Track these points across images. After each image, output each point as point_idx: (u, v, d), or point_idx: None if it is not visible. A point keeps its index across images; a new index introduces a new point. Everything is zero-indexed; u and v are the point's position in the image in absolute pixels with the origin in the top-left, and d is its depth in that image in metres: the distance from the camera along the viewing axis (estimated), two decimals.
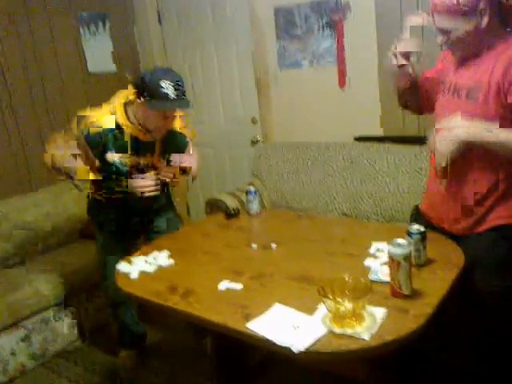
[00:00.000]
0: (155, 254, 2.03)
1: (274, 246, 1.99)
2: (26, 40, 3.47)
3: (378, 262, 1.67)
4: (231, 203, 3.02)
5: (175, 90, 2.00)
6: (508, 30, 1.59)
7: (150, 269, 1.93)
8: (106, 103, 2.25)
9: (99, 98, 3.87)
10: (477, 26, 1.53)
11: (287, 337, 1.36)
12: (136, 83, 2.09)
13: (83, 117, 2.21)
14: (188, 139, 2.45)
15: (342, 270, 1.65)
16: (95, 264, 3.05)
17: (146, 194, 2.19)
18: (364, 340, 1.30)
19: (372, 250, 1.79)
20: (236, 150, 3.89)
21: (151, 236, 2.45)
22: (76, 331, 3.00)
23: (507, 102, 1.52)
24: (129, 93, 2.15)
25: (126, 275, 1.91)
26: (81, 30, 3.79)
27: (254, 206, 2.38)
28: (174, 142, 2.35)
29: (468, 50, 1.63)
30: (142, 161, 2.28)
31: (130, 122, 2.19)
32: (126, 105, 2.19)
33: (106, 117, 2.18)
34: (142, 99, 2.05)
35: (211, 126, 3.94)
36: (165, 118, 2.13)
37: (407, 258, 1.44)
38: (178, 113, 2.25)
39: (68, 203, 3.51)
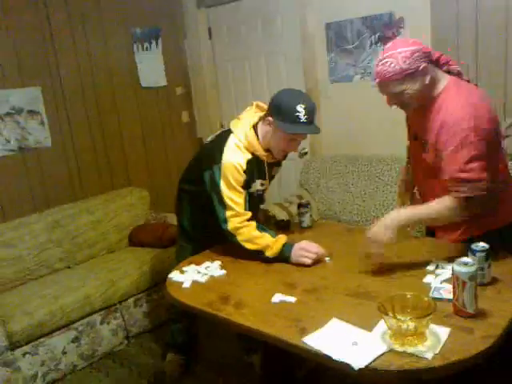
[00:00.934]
0: (207, 263, 2.04)
1: (327, 259, 1.97)
2: (83, 55, 3.60)
3: (439, 280, 1.62)
4: (280, 214, 3.01)
5: (307, 114, 1.94)
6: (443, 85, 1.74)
7: (202, 279, 1.93)
8: (237, 120, 2.15)
9: (150, 111, 4.04)
10: (423, 83, 1.68)
11: (346, 353, 1.33)
12: (270, 104, 2.02)
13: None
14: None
15: (399, 286, 1.61)
16: (143, 270, 3.14)
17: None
18: (426, 359, 1.26)
19: (431, 267, 1.73)
20: (284, 162, 3.88)
21: None
22: (122, 334, 3.06)
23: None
24: (257, 112, 2.11)
25: (178, 284, 1.92)
26: (134, 45, 3.90)
27: (306, 219, 2.36)
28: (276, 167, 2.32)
29: (420, 103, 1.76)
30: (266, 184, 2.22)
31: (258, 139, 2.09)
32: (253, 126, 2.11)
33: (241, 145, 2.07)
34: (273, 120, 1.98)
35: None
36: (292, 140, 2.03)
37: (473, 277, 1.39)
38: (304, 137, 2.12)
39: (118, 211, 3.59)
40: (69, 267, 3.28)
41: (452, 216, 1.71)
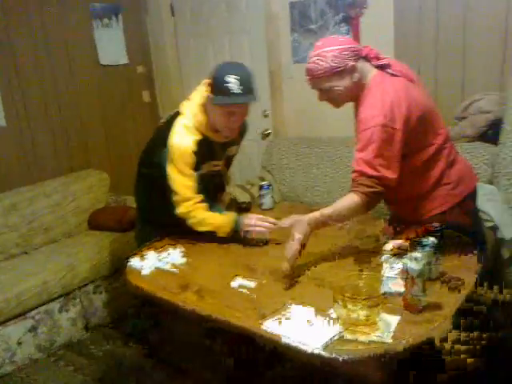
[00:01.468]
0: (169, 250, 2.02)
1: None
2: (38, 31, 3.45)
3: (392, 272, 1.61)
4: (241, 197, 2.99)
5: (241, 84, 1.90)
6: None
7: (163, 265, 1.91)
8: (182, 113, 2.09)
9: (110, 90, 3.92)
10: (351, 79, 1.75)
11: (303, 335, 1.35)
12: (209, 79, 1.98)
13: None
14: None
15: (357, 273, 1.61)
16: (104, 255, 3.08)
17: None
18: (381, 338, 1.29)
19: (388, 247, 1.75)
20: (246, 142, 3.83)
21: None
22: (82, 323, 3.01)
23: None
24: (206, 91, 2.02)
25: (138, 271, 1.89)
26: (93, 21, 3.76)
27: (267, 201, 2.37)
28: (242, 131, 2.25)
29: (350, 100, 1.84)
30: (220, 165, 2.19)
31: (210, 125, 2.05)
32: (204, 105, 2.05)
33: (190, 126, 2.03)
34: (209, 95, 1.96)
35: None
36: (230, 114, 1.97)
37: (421, 273, 1.40)
38: (246, 110, 2.04)
39: (76, 194, 3.51)
40: (25, 253, 3.19)
41: (358, 211, 1.75)
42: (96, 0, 3.76)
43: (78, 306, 2.97)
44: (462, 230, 1.83)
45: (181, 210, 2.03)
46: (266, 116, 3.67)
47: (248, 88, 1.93)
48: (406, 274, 1.43)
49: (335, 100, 1.84)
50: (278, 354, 2.41)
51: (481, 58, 2.69)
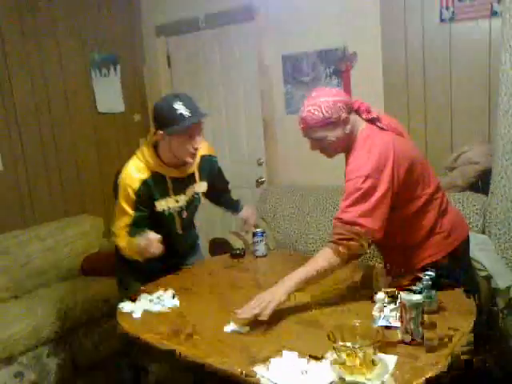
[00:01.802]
0: (160, 292, 2.01)
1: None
2: (38, 77, 3.55)
3: (388, 308, 1.64)
4: (236, 243, 3.00)
5: (187, 108, 1.98)
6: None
7: (154, 308, 1.90)
8: (135, 154, 2.17)
9: (107, 137, 3.99)
10: (344, 131, 1.79)
11: (296, 382, 1.32)
12: (154, 119, 2.06)
13: (120, 176, 2.12)
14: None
15: (350, 314, 1.63)
16: (96, 299, 3.05)
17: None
18: None
19: (381, 295, 1.75)
20: (241, 190, 3.89)
21: None
22: (71, 367, 2.94)
23: None
24: (151, 134, 2.13)
25: (129, 314, 1.87)
26: (92, 71, 3.88)
27: (261, 248, 2.37)
28: (206, 168, 2.31)
29: (341, 151, 1.88)
30: (183, 200, 2.23)
31: (164, 163, 2.12)
32: (154, 148, 2.13)
33: (141, 166, 2.10)
34: (162, 131, 2.01)
35: None
36: (190, 138, 2.03)
37: (419, 304, 1.42)
38: (201, 134, 2.11)
39: (70, 238, 3.50)
40: (16, 297, 3.14)
41: (339, 264, 1.73)
42: (95, 50, 3.89)
43: (68, 352, 2.92)
44: (454, 279, 1.84)
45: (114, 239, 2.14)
46: (260, 164, 3.74)
47: (195, 108, 2.02)
48: (402, 306, 1.43)
49: (327, 150, 1.88)
50: None
51: (467, 109, 2.80)
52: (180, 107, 1.97)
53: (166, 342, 1.65)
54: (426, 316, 1.47)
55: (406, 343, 1.44)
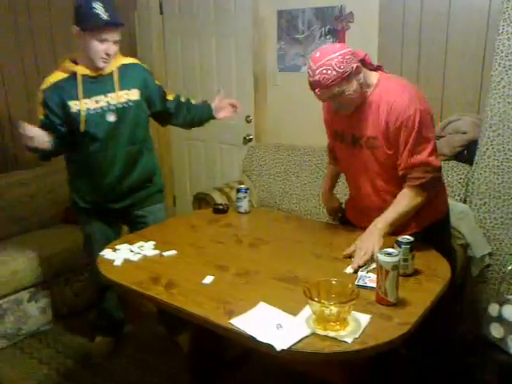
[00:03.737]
0: (141, 243, 2.02)
1: None
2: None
3: (365, 269, 1.68)
4: (220, 199, 3.01)
5: (106, 11, 2.00)
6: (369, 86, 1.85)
7: (135, 257, 1.91)
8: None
9: None
10: (358, 81, 1.78)
11: (270, 335, 1.35)
12: (73, 15, 2.07)
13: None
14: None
15: (328, 273, 1.65)
16: (77, 248, 3.04)
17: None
18: (346, 343, 1.31)
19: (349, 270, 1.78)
20: (227, 146, 3.89)
21: (136, 227, 2.39)
22: (51, 314, 2.97)
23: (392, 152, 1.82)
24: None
25: (110, 262, 1.89)
26: None
27: (244, 204, 2.38)
28: (133, 75, 2.29)
29: (358, 102, 1.85)
30: (104, 101, 2.20)
31: (77, 64, 2.16)
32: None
33: (57, 73, 2.19)
34: (77, 28, 2.04)
35: None
36: (102, 41, 2.06)
37: (396, 266, 1.45)
38: (116, 38, 2.13)
39: (54, 185, 3.46)
40: None
41: (419, 204, 1.83)
42: None
43: (48, 298, 2.94)
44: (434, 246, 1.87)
45: None
46: (248, 121, 3.70)
47: (113, 15, 2.04)
48: (379, 267, 1.46)
49: (345, 106, 1.85)
50: (244, 357, 2.46)
51: (460, 78, 2.77)
52: (98, 7, 1.99)
53: (145, 289, 1.67)
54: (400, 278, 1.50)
55: (380, 303, 1.48)
